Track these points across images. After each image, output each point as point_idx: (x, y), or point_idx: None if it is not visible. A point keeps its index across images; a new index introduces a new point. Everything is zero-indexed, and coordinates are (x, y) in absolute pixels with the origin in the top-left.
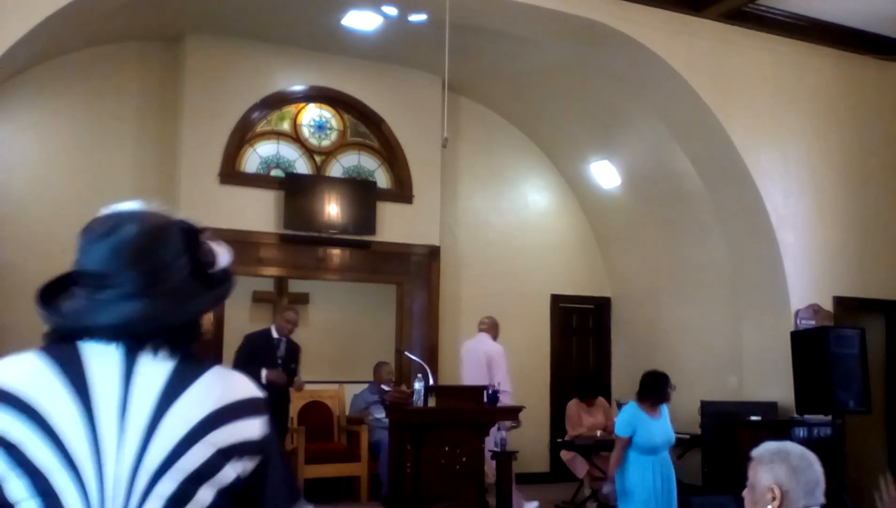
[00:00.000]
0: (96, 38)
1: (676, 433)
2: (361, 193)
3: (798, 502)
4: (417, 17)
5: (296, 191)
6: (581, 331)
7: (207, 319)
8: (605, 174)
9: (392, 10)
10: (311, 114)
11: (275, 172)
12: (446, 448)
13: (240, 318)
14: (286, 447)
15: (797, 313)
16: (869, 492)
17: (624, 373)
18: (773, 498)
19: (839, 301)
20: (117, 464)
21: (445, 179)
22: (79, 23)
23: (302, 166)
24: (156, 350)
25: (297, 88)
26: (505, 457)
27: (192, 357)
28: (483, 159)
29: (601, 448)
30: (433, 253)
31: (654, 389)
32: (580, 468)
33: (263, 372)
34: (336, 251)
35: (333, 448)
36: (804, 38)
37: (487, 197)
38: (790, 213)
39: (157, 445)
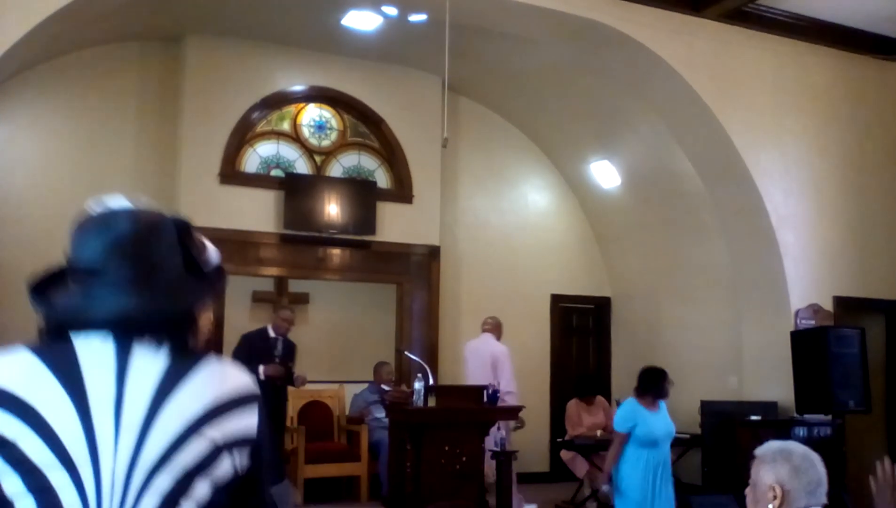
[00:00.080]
0: (96, 38)
1: (676, 433)
2: (361, 193)
3: (799, 501)
4: (417, 17)
5: (296, 191)
6: (581, 331)
7: (207, 319)
8: (605, 174)
9: (392, 10)
10: (311, 114)
11: (275, 172)
12: (446, 448)
13: (240, 318)
14: (286, 447)
15: (797, 313)
16: (869, 492)
17: (624, 373)
18: (775, 497)
19: (839, 301)
20: (114, 460)
21: (445, 180)
22: (79, 23)
23: (302, 166)
24: (150, 344)
25: (297, 88)
26: (505, 457)
27: (188, 351)
28: (483, 159)
29: (601, 447)
30: (433, 253)
31: (652, 384)
32: (580, 467)
33: (261, 368)
34: (336, 251)
35: (333, 448)
36: (804, 38)
37: (487, 197)
38: (790, 213)
39: (153, 440)
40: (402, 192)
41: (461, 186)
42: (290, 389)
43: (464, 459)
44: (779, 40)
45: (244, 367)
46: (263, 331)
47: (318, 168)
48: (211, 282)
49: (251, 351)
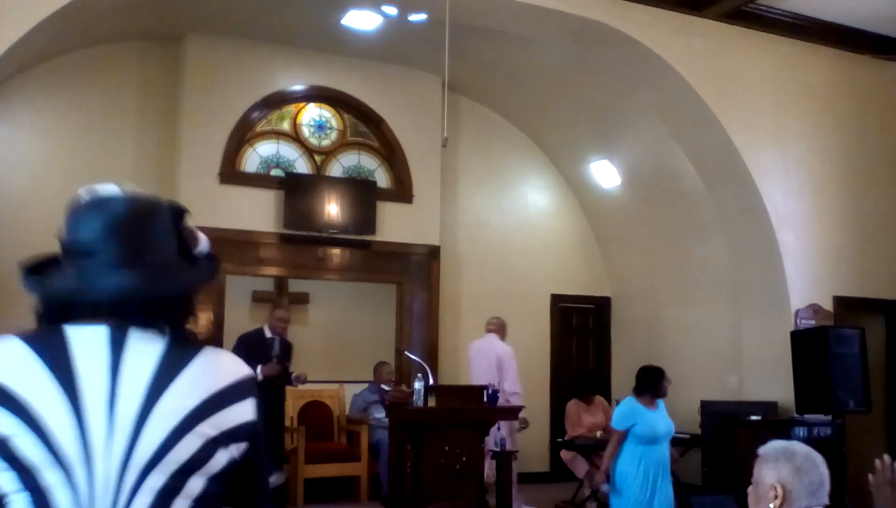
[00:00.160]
0: (96, 38)
1: (676, 432)
2: (361, 192)
3: (800, 502)
4: (417, 17)
5: (296, 191)
6: (581, 331)
7: (207, 319)
8: (605, 174)
9: (392, 10)
10: (311, 114)
11: (275, 172)
12: (446, 448)
13: (240, 318)
14: (286, 447)
15: (797, 313)
16: (869, 492)
17: (624, 373)
18: (776, 497)
19: (839, 301)
20: (106, 459)
21: (445, 179)
22: (79, 23)
23: (302, 166)
24: (144, 328)
25: (297, 87)
26: (505, 457)
27: (183, 339)
28: (483, 159)
29: (601, 447)
30: (433, 253)
31: (649, 383)
32: (580, 468)
33: (259, 368)
34: (336, 251)
35: (333, 448)
36: (804, 38)
37: (487, 197)
38: (790, 213)
39: (146, 438)
40: (402, 192)
41: (461, 186)
42: (291, 389)
43: (464, 459)
44: (779, 40)
45: None
46: (260, 331)
47: (318, 168)
48: (205, 267)
49: (248, 352)
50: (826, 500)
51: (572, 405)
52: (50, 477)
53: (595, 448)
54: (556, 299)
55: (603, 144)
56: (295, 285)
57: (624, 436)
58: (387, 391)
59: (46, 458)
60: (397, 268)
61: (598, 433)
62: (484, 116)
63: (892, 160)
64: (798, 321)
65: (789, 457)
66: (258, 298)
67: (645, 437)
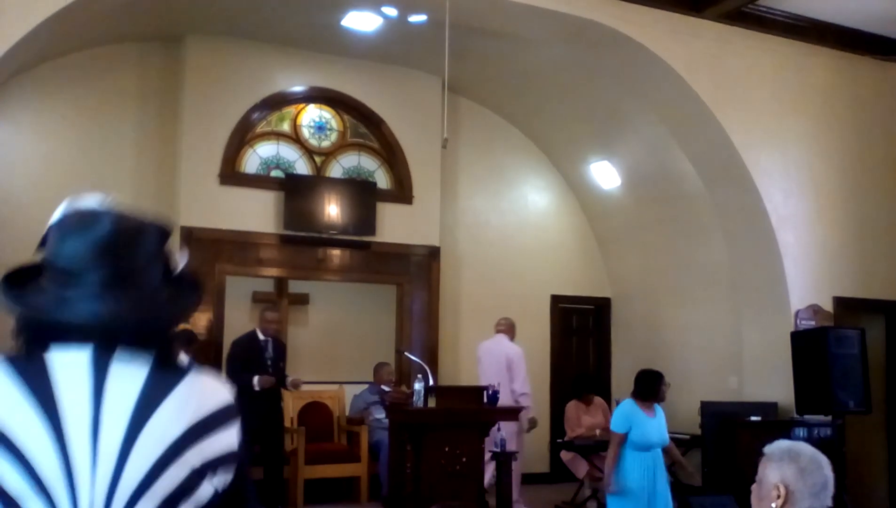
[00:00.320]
0: (96, 39)
1: (676, 432)
2: (361, 193)
3: (803, 503)
4: (417, 18)
5: (296, 192)
6: (581, 331)
7: (207, 320)
8: (605, 175)
9: (392, 11)
10: (311, 114)
11: (275, 173)
12: (446, 449)
13: (240, 318)
14: (286, 447)
15: (797, 313)
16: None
17: (624, 373)
18: (778, 496)
19: (839, 301)
20: (91, 489)
21: (445, 180)
22: (79, 23)
23: (302, 167)
24: (127, 355)
25: (297, 88)
26: (505, 458)
27: (167, 364)
28: (483, 159)
29: (601, 448)
30: (433, 253)
31: (648, 387)
32: (580, 468)
33: (255, 379)
34: (336, 252)
35: (333, 449)
36: (804, 38)
37: (487, 197)
38: (790, 213)
39: (132, 467)
40: (401, 192)
41: (461, 186)
42: (292, 390)
43: (464, 459)
44: (779, 41)
45: (238, 374)
46: (252, 335)
47: (318, 169)
48: (189, 294)
49: (244, 357)
50: (829, 503)
51: (572, 406)
52: (34, 506)
53: (595, 448)
54: (556, 300)
55: (603, 145)
56: (295, 286)
57: (623, 438)
58: (387, 392)
59: (30, 487)
60: (397, 269)
61: (598, 432)
62: (484, 116)
63: (892, 161)
64: (798, 322)
65: (794, 458)
66: (258, 298)
67: (638, 444)
